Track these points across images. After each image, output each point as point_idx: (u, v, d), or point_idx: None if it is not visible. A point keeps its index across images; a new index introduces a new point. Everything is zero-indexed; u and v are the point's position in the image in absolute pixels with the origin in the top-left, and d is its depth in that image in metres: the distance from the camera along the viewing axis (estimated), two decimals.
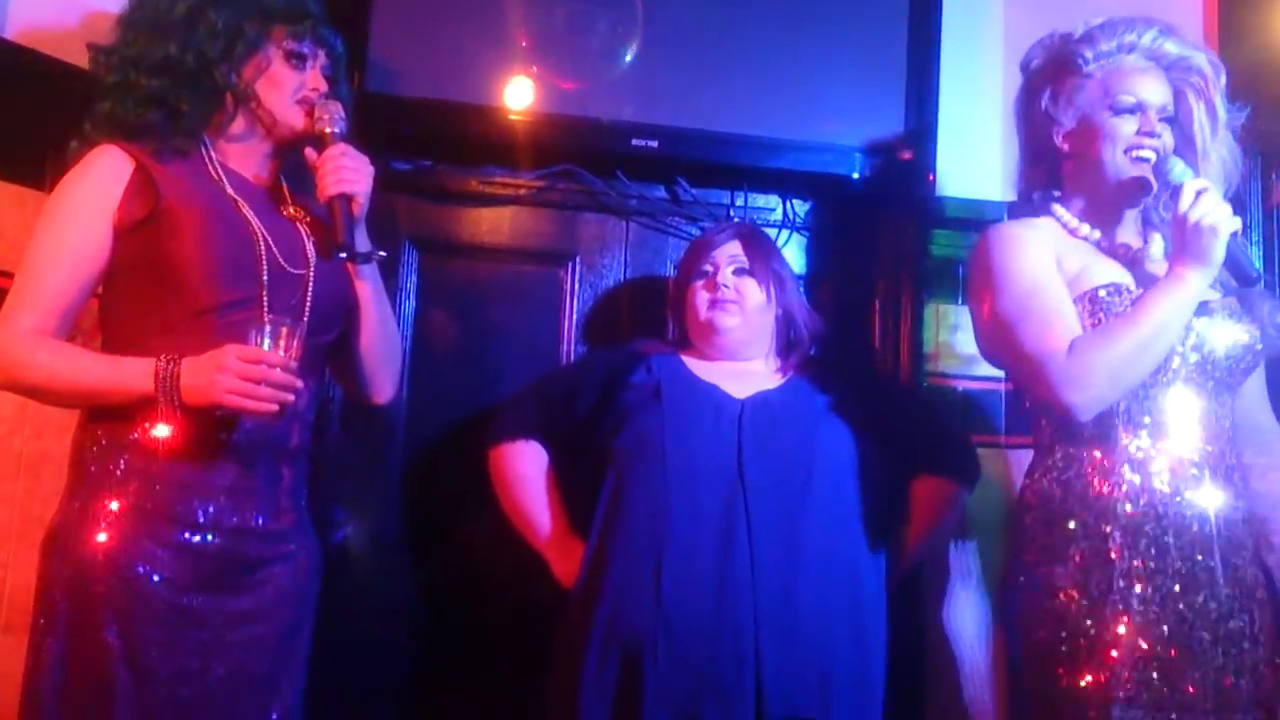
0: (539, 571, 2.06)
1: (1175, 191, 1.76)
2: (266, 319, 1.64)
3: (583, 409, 2.11)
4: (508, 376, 2.46)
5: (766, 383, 2.08)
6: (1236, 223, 1.72)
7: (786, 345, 2.17)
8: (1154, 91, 1.85)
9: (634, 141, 2.42)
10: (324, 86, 1.82)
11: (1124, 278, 1.84)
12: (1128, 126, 1.84)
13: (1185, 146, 1.87)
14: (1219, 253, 1.70)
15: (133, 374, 1.63)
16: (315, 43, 1.83)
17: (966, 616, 2.45)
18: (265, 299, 1.71)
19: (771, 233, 2.47)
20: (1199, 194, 1.72)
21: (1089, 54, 1.88)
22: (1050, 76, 1.94)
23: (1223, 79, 1.87)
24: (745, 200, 2.63)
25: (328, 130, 1.77)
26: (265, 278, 1.71)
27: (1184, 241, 1.72)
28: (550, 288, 2.55)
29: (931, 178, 2.53)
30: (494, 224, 2.55)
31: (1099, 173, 1.88)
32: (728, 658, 1.81)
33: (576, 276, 2.56)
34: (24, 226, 1.74)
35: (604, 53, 2.45)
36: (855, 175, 2.51)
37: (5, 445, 1.97)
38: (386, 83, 2.31)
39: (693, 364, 2.12)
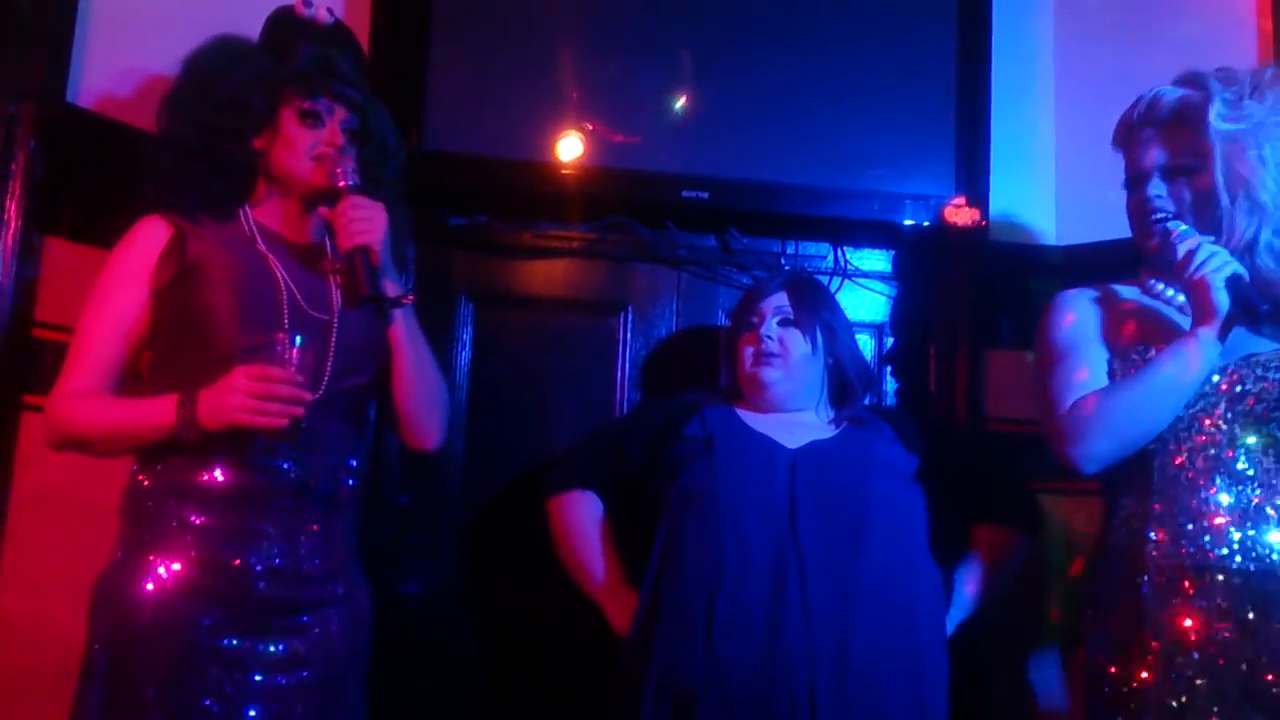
0: (595, 620, 2.06)
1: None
2: (273, 338, 1.68)
3: (637, 460, 2.12)
4: (563, 426, 2.49)
5: (819, 433, 2.08)
6: (1232, 268, 1.70)
7: (839, 394, 2.17)
8: (1148, 157, 1.84)
9: (684, 192, 2.46)
10: (340, 140, 1.85)
11: (1167, 337, 1.81)
12: (1135, 200, 1.86)
13: (1218, 189, 1.79)
14: (1221, 303, 1.69)
15: (158, 410, 1.71)
16: (331, 98, 1.85)
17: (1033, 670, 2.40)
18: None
19: (822, 280, 2.47)
20: (1189, 254, 1.72)
21: (1115, 142, 1.91)
22: None
23: (1218, 104, 1.76)
24: (796, 249, 2.64)
25: (340, 185, 1.81)
26: (286, 322, 1.78)
27: (1190, 301, 1.74)
28: (604, 338, 2.58)
29: (985, 223, 2.52)
30: (548, 276, 2.59)
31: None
32: (782, 709, 1.79)
33: (629, 326, 2.58)
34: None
35: (654, 105, 2.49)
36: (906, 222, 2.52)
37: (78, 496, 2.02)
38: (442, 141, 2.37)
39: (746, 415, 2.12)
